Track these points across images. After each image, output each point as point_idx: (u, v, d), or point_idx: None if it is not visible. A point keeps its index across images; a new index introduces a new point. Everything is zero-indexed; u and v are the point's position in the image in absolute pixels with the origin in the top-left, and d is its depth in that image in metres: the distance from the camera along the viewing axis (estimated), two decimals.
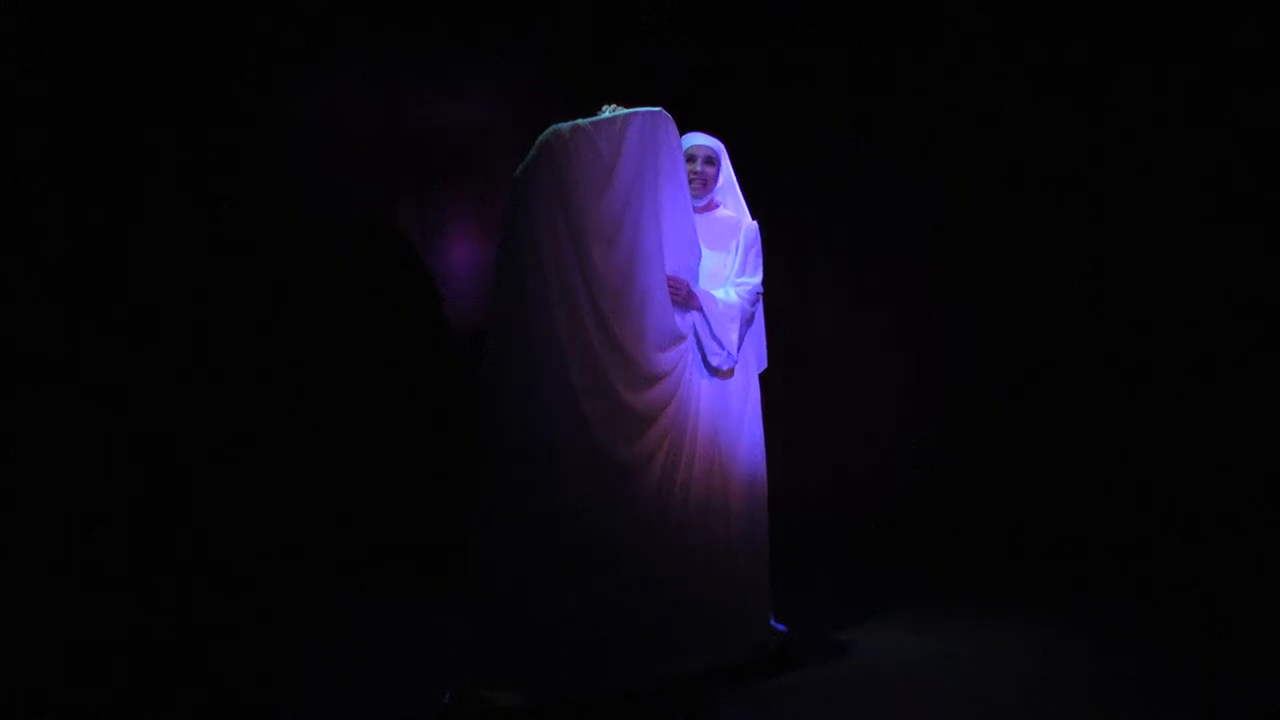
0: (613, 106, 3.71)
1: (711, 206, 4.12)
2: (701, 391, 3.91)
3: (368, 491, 5.33)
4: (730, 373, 3.97)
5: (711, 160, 4.06)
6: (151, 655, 4.16)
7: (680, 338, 3.82)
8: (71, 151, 4.62)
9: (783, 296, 5.67)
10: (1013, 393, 5.71)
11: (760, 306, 4.15)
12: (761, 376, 4.19)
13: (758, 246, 4.07)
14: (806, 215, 5.90)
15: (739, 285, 4.00)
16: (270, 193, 5.24)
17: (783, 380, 4.43)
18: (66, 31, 4.59)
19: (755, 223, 4.10)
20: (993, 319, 5.74)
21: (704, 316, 3.88)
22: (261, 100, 5.20)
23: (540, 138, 3.57)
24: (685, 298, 3.85)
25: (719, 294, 3.95)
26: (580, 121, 3.61)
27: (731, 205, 4.17)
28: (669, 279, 3.78)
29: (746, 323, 3.96)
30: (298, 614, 4.69)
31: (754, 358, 4.11)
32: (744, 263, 4.04)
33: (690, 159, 4.00)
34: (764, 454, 4.05)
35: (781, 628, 4.08)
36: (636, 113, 3.68)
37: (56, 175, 4.57)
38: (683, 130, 3.93)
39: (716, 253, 4.02)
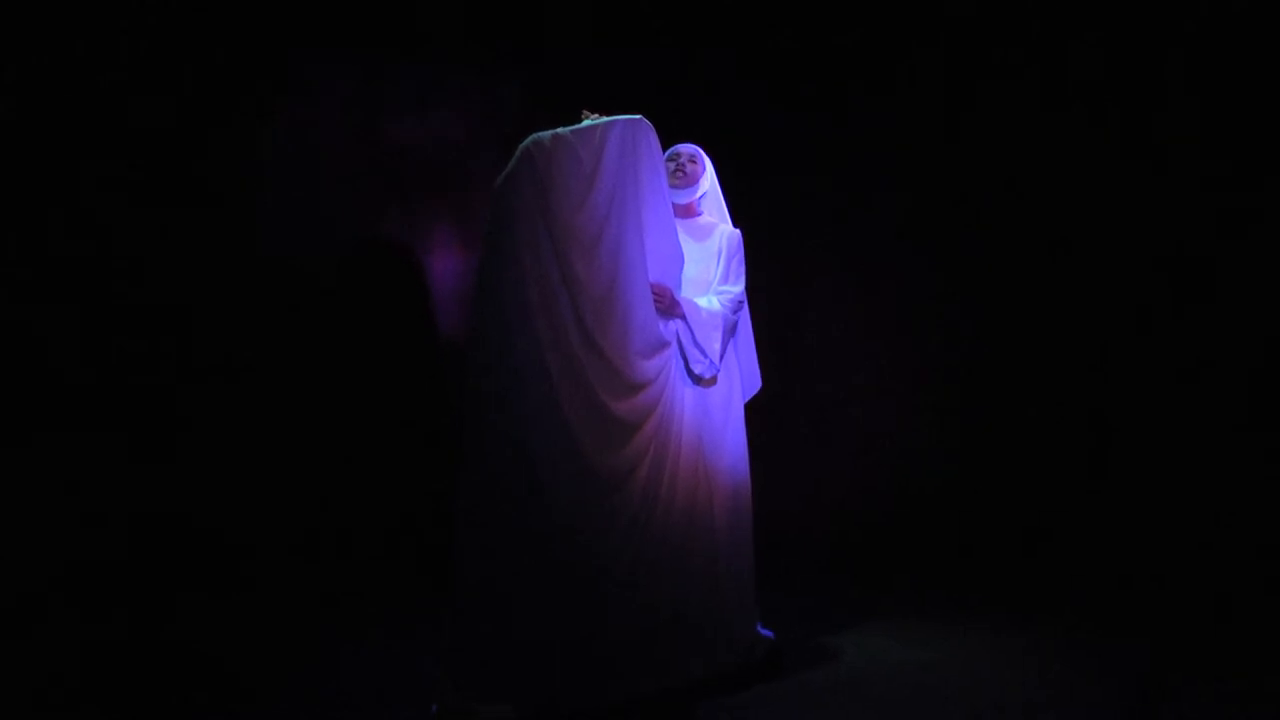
0: (594, 115, 3.72)
1: (694, 213, 4.13)
2: (685, 399, 3.91)
3: (361, 496, 5.32)
4: (713, 381, 3.97)
5: (694, 159, 4.09)
6: (143, 657, 4.18)
7: (664, 345, 3.82)
8: (67, 159, 4.63)
9: (775, 302, 5.69)
10: (1003, 400, 5.72)
11: (749, 324, 4.19)
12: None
13: (740, 254, 4.08)
14: (801, 221, 5.92)
15: (721, 293, 4.00)
16: (257, 206, 5.24)
17: (771, 387, 4.43)
18: (65, 36, 4.61)
19: (738, 230, 4.12)
20: (985, 328, 5.74)
21: (687, 324, 3.89)
22: (248, 113, 5.20)
23: (521, 146, 3.58)
24: (669, 305, 3.85)
25: (702, 302, 3.95)
26: (561, 130, 3.62)
27: (715, 214, 4.19)
28: (652, 286, 3.78)
29: (729, 331, 3.97)
30: (292, 619, 4.69)
31: (736, 366, 4.11)
32: (727, 270, 4.05)
33: (674, 158, 4.05)
34: (747, 461, 4.05)
35: (768, 634, 4.08)
36: (617, 120, 3.70)
37: (56, 182, 4.59)
38: (672, 142, 3.98)
39: (699, 260, 4.03)
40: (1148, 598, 4.77)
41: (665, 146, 3.89)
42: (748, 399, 4.19)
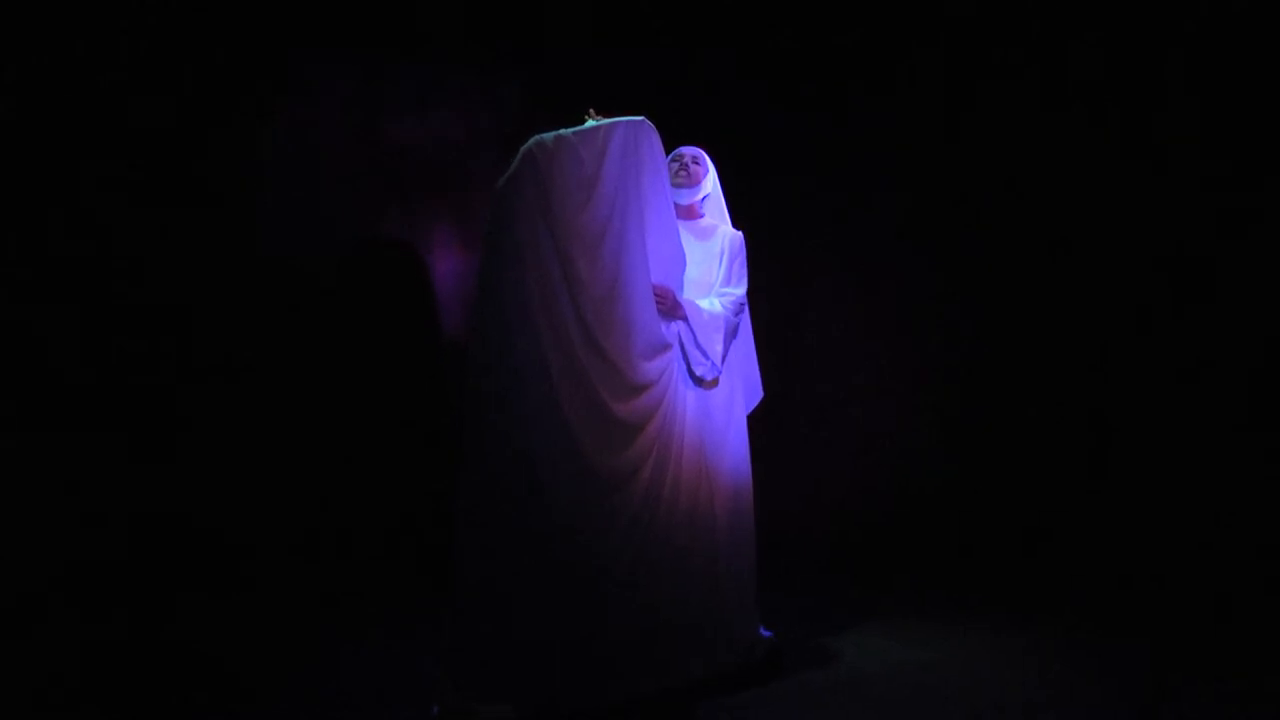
0: (599, 116, 3.72)
1: (696, 215, 4.14)
2: (687, 401, 3.91)
3: (361, 496, 5.33)
4: (715, 383, 3.97)
5: (697, 160, 4.09)
6: (143, 657, 4.19)
7: (666, 347, 3.82)
8: (67, 159, 4.63)
9: (775, 302, 5.69)
10: (1003, 400, 5.72)
11: (750, 333, 4.18)
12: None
13: (742, 256, 4.09)
14: (801, 221, 5.92)
15: (723, 295, 4.00)
16: (257, 206, 5.24)
17: (771, 387, 4.44)
18: (65, 36, 4.61)
19: (739, 233, 4.12)
20: (985, 328, 5.75)
21: (689, 326, 3.88)
22: (248, 113, 5.20)
23: (523, 148, 3.58)
24: (671, 307, 3.85)
25: (704, 304, 3.95)
26: (563, 131, 3.62)
27: (717, 216, 4.19)
28: (655, 288, 3.78)
29: (731, 333, 3.97)
30: (292, 619, 4.69)
31: (739, 370, 4.11)
32: (729, 272, 4.05)
33: (677, 159, 4.06)
34: (749, 463, 4.05)
35: (769, 634, 4.08)
36: (619, 122, 3.70)
37: (56, 182, 4.60)
38: (674, 145, 3.97)
39: (701, 262, 4.03)
40: (1148, 598, 4.77)
41: (667, 147, 3.89)
42: (749, 410, 4.18)
